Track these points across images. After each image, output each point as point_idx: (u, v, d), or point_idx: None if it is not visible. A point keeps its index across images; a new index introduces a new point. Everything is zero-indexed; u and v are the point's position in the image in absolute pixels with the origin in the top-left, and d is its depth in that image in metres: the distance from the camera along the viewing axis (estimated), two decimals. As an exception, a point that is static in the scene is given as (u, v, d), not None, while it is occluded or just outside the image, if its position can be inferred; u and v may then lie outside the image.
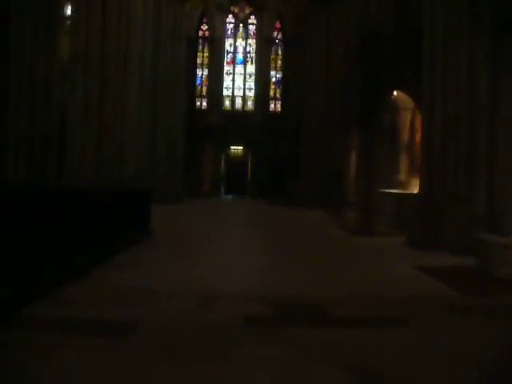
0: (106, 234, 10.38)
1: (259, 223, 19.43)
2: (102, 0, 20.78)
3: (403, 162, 17.94)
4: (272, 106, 39.29)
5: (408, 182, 17.46)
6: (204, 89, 39.25)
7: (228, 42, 39.53)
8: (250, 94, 39.26)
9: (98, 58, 20.15)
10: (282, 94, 39.18)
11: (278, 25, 39.30)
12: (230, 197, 37.31)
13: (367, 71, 15.91)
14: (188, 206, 26.71)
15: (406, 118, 17.59)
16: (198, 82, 39.20)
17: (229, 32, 39.55)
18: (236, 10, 39.49)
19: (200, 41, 39.25)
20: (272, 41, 39.35)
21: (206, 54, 39.32)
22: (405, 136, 17.86)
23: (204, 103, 39.03)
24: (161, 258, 10.79)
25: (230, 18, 39.50)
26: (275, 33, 39.43)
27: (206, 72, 39.25)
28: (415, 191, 16.35)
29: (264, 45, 39.15)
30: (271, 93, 39.37)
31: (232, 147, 38.53)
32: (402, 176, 17.88)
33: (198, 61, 39.20)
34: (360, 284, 9.01)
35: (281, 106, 39.11)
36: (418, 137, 16.99)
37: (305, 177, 28.86)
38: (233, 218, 20.65)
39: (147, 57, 27.47)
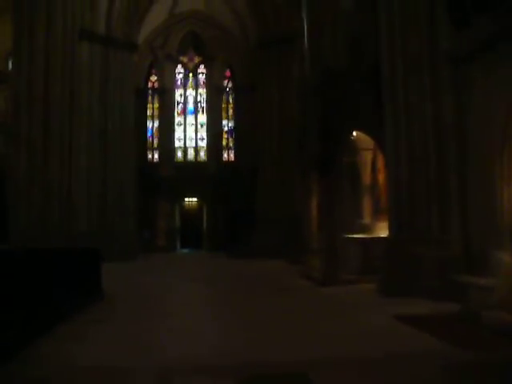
0: (43, 301, 9.14)
1: (218, 278, 18.19)
2: (45, 46, 19.83)
3: (366, 205, 17.18)
4: (225, 155, 38.43)
5: (373, 226, 16.66)
6: (155, 141, 38.24)
7: (178, 92, 38.79)
8: (203, 144, 38.39)
9: (42, 107, 19.05)
10: (234, 143, 38.43)
11: (228, 73, 38.81)
12: (185, 251, 36.00)
13: (324, 112, 15.16)
14: (143, 262, 25.39)
15: (366, 158, 16.91)
16: (149, 133, 38.18)
17: (178, 82, 38.85)
18: (185, 60, 38.89)
19: (149, 92, 38.40)
20: (222, 90, 38.75)
21: (156, 105, 38.43)
22: (366, 177, 17.15)
23: (156, 155, 37.96)
24: (113, 326, 9.58)
25: (180, 68, 38.84)
26: (225, 81, 38.89)
27: (156, 123, 38.31)
28: (381, 235, 15.56)
29: (215, 94, 38.53)
30: (224, 142, 38.56)
31: (186, 199, 37.38)
32: (366, 219, 17.09)
33: (148, 112, 38.26)
34: (338, 343, 7.99)
35: (234, 156, 38.28)
36: (380, 177, 16.30)
37: (263, 226, 27.90)
38: (191, 275, 19.36)
39: (94, 107, 26.52)
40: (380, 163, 16.23)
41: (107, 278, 15.90)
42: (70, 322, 9.65)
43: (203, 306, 11.90)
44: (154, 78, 38.37)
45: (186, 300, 12.68)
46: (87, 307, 11.19)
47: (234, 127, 38.48)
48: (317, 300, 12.47)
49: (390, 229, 13.38)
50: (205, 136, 38.38)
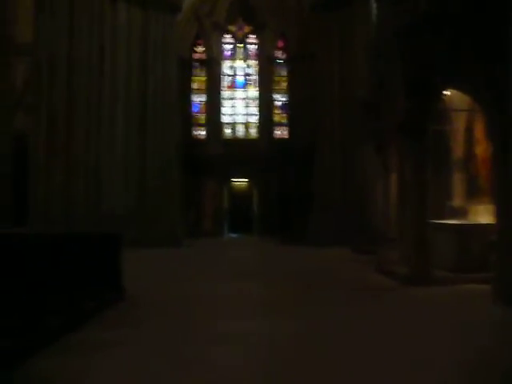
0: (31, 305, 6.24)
1: (273, 272, 14.92)
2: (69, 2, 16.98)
3: (457, 184, 13.76)
4: (278, 132, 35.26)
5: (467, 210, 13.24)
6: (202, 116, 35.27)
7: (226, 64, 35.72)
8: (253, 120, 35.30)
9: (65, 68, 16.21)
10: (288, 119, 35.17)
11: (280, 43, 35.49)
12: (234, 235, 33.08)
13: (410, 67, 11.75)
14: (186, 249, 22.47)
15: (459, 124, 13.46)
16: (195, 108, 35.24)
17: (227, 53, 35.77)
18: (234, 29, 35.78)
19: (195, 63, 35.39)
20: (275, 61, 35.50)
21: (203, 78, 35.44)
22: (458, 150, 13.72)
23: (202, 132, 35.03)
24: (129, 353, 6.53)
25: (228, 38, 35.76)
26: (278, 52, 35.61)
27: (203, 98, 35.31)
28: (481, 221, 12.19)
29: (266, 65, 35.34)
30: (276, 118, 35.38)
31: (235, 179, 34.43)
32: (457, 201, 13.68)
33: (194, 86, 35.31)
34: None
35: (288, 132, 35.05)
36: (479, 149, 12.86)
37: (320, 210, 24.69)
38: (240, 267, 16.15)
39: (132, 74, 23.68)
40: (479, 132, 12.78)
41: (137, 269, 13.15)
42: (57, 346, 6.67)
43: (258, 317, 8.72)
44: (200, 48, 35.37)
45: (234, 308, 9.51)
46: (95, 315, 8.23)
47: (288, 102, 35.25)
48: (414, 311, 9.00)
49: (500, 214, 9.97)
50: (255, 111, 35.24)
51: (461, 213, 13.19)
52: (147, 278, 12.97)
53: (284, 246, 24.47)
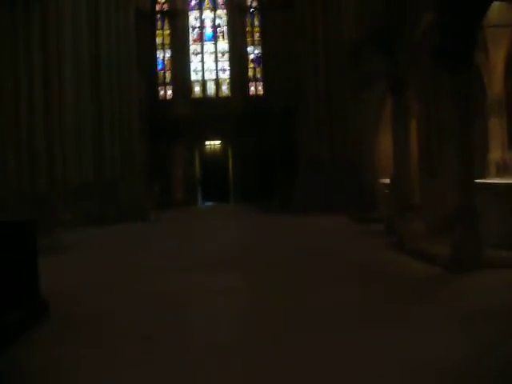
0: None
1: (257, 254, 11.50)
2: None
3: (495, 130, 10.64)
4: (252, 88, 31.90)
5: (509, 164, 10.15)
6: (167, 74, 31.70)
7: (193, 15, 32.13)
8: (225, 76, 31.93)
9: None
10: (262, 74, 31.76)
11: (251, -11, 31.93)
12: (209, 204, 29.96)
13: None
14: (151, 225, 19.28)
15: (497, 50, 10.24)
16: (160, 66, 31.69)
17: (192, 2, 32.09)
18: (200, -25, 32.06)
19: (158, 16, 31.68)
20: (246, 9, 31.90)
21: (167, 32, 31.82)
22: (495, 87, 10.55)
23: (169, 92, 31.55)
24: None
25: (194, -14, 32.06)
26: (249, 0, 32.01)
27: (168, 54, 31.72)
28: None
29: (237, 15, 31.74)
30: (250, 73, 31.97)
31: (207, 142, 31.16)
32: (496, 153, 10.57)
33: (158, 41, 31.71)
34: None
35: (263, 88, 31.71)
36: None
37: (306, 172, 21.52)
38: (214, 247, 12.84)
39: (82, 28, 20.16)
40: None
41: (79, 258, 9.95)
42: None
43: (246, 343, 5.55)
44: (162, -2, 31.60)
45: (211, 323, 6.29)
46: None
47: (262, 54, 31.78)
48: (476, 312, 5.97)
49: None
50: (227, 66, 31.82)
51: (502, 168, 10.10)
52: (91, 273, 9.71)
53: (267, 215, 21.34)
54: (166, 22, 31.88)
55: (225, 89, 31.84)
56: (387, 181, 15.46)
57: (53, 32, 16.73)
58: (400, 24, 9.77)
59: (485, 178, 9.96)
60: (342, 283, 8.11)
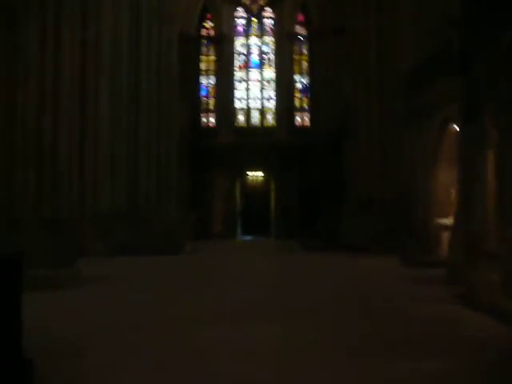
0: None
1: (300, 304, 9.69)
2: None
3: None
4: (298, 119, 30.63)
5: None
6: (211, 101, 30.69)
7: (239, 42, 31.10)
8: (270, 104, 30.70)
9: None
10: (309, 104, 30.51)
11: (300, 17, 30.86)
12: (248, 238, 28.62)
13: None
14: (184, 258, 18.02)
15: None
16: (203, 92, 30.68)
17: (239, 29, 31.13)
18: (247, 1, 31.14)
19: (203, 41, 30.79)
20: (294, 37, 30.80)
21: (212, 58, 30.88)
22: None
23: (212, 119, 30.47)
24: None
25: (241, 12, 31.13)
26: (298, 27, 30.91)
27: (212, 80, 30.74)
28: None
29: (284, 43, 30.67)
30: (296, 103, 30.71)
31: (249, 173, 29.84)
32: None
33: (202, 66, 30.74)
34: None
35: (309, 119, 30.45)
36: None
37: (354, 209, 20.07)
38: (248, 292, 10.97)
39: (122, 51, 19.33)
40: None
41: (98, 294, 8.64)
42: None
43: None
44: (208, 23, 30.75)
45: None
46: None
47: (309, 84, 30.52)
48: None
49: None
50: (273, 95, 30.55)
51: None
52: (96, 316, 8.28)
53: (310, 254, 19.80)
54: (212, 47, 31.00)
55: (270, 118, 30.64)
56: (445, 221, 14.01)
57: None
58: (478, 37, 8.29)
59: None
60: (407, 353, 6.37)
